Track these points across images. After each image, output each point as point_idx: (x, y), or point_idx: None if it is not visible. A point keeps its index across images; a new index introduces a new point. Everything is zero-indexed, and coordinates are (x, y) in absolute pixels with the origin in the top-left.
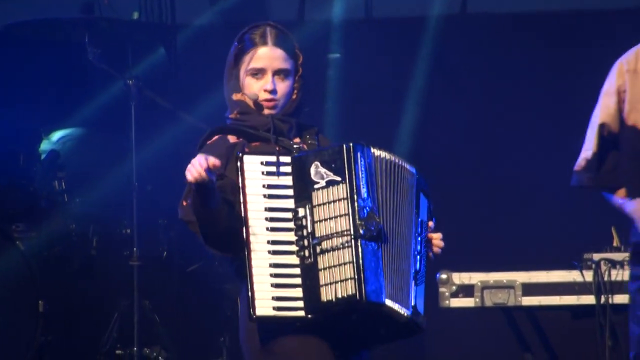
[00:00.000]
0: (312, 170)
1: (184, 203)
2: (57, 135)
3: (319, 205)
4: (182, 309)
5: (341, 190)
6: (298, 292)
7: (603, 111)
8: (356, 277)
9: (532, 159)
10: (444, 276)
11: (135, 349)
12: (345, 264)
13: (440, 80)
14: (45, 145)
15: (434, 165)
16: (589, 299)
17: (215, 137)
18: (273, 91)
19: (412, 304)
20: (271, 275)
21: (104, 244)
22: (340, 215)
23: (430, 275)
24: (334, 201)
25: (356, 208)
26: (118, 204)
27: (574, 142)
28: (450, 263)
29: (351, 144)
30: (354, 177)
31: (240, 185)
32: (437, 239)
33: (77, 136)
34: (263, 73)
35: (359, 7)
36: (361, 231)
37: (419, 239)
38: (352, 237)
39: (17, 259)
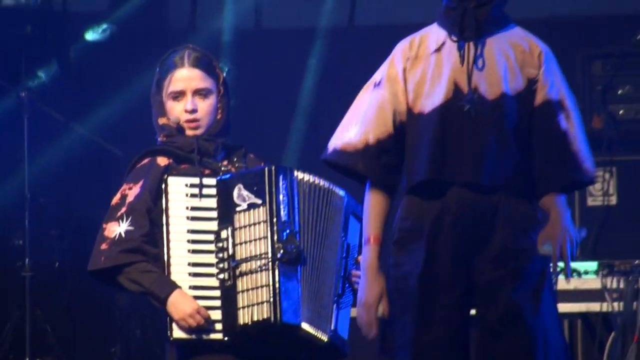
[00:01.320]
0: (235, 192)
1: (104, 249)
2: None
3: (240, 227)
4: (74, 319)
5: (261, 213)
6: (217, 315)
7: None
8: (272, 300)
9: None
10: None
11: (27, 359)
12: (262, 287)
13: (328, 92)
14: None
15: (323, 176)
16: None
17: (145, 161)
18: (193, 111)
19: (332, 327)
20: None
21: None
22: (260, 238)
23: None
24: (255, 224)
25: (275, 231)
26: (10, 216)
27: None
28: None
29: (273, 167)
30: (274, 200)
31: (164, 206)
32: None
33: None
34: (183, 95)
35: (249, 18)
36: (279, 254)
37: (344, 262)
38: (270, 260)
39: None
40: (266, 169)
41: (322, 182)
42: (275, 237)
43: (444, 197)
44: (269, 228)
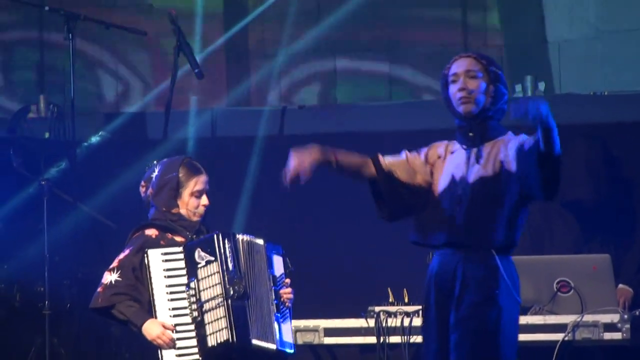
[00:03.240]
0: (196, 254)
1: (101, 293)
2: None
3: (203, 278)
4: (81, 345)
5: (215, 267)
6: (193, 342)
7: None
8: (228, 326)
9: (334, 246)
10: None
11: None
12: (221, 318)
13: (266, 192)
14: None
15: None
16: (372, 340)
17: (137, 233)
18: (206, 205)
19: (277, 338)
20: (176, 332)
21: (24, 298)
22: (216, 284)
23: None
24: (212, 274)
25: (225, 278)
26: (34, 270)
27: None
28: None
29: (220, 233)
30: (222, 256)
31: (147, 271)
32: (286, 292)
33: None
34: (202, 193)
35: (206, 127)
36: (230, 294)
37: (274, 289)
38: (224, 298)
39: None
40: (214, 235)
41: (252, 238)
42: (226, 282)
43: None
44: (221, 276)
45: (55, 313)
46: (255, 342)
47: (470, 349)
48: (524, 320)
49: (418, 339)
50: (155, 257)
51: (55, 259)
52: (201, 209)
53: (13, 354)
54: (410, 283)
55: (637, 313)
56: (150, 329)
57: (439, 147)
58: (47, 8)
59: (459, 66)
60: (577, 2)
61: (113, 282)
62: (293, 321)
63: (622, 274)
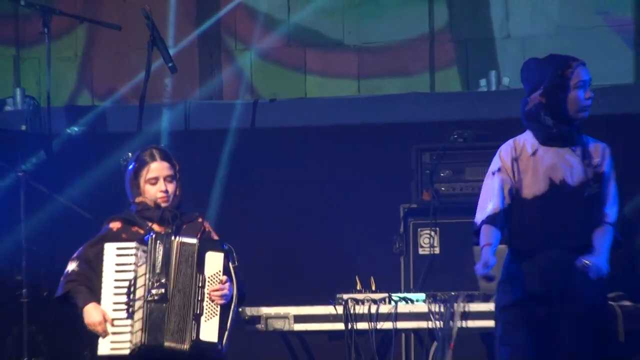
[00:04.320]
0: (139, 253)
1: (64, 284)
2: None
3: (138, 277)
4: (58, 331)
5: (144, 268)
6: (127, 337)
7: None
8: (143, 328)
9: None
10: (240, 309)
11: (25, 358)
12: (139, 319)
13: (238, 184)
14: None
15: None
16: (340, 326)
17: (104, 226)
18: (165, 191)
19: (193, 338)
20: (113, 325)
21: (2, 287)
22: (142, 285)
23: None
24: (142, 275)
25: (150, 280)
26: (12, 260)
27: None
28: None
29: (154, 236)
30: (152, 258)
31: (102, 263)
32: (216, 291)
33: None
34: (157, 180)
35: (179, 120)
36: (150, 297)
37: (199, 290)
38: (145, 300)
39: None
40: (150, 237)
41: (184, 239)
42: (150, 284)
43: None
44: (147, 278)
45: (33, 301)
46: (167, 344)
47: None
48: None
49: (385, 325)
50: (110, 251)
51: (32, 249)
52: (160, 195)
53: None
54: (377, 271)
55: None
56: (91, 314)
57: (512, 152)
58: (23, 2)
59: (587, 74)
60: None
61: (69, 271)
62: (264, 308)
63: None
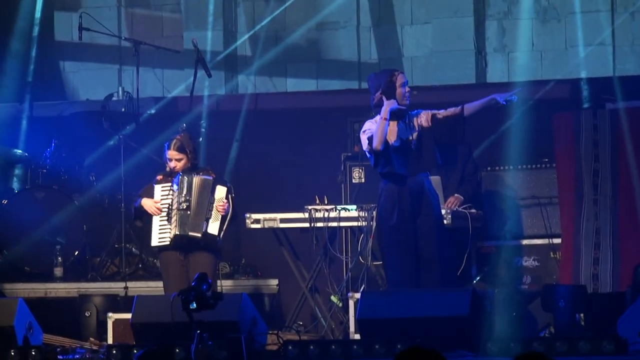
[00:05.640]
0: (174, 187)
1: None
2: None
3: (174, 200)
4: (140, 229)
5: (177, 193)
6: (168, 234)
7: None
8: (177, 225)
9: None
10: (247, 215)
11: (123, 243)
12: (175, 221)
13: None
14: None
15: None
16: (307, 225)
17: (156, 178)
18: (174, 167)
19: (204, 230)
20: (158, 226)
21: (110, 202)
22: (173, 201)
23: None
24: (176, 197)
25: (178, 199)
26: (116, 187)
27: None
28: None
29: (183, 174)
30: (179, 187)
31: (154, 196)
32: (220, 205)
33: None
34: (171, 160)
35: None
36: (177, 207)
37: (210, 203)
38: (176, 210)
39: None
40: (179, 176)
41: (204, 177)
42: (178, 200)
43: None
44: (176, 198)
45: (127, 211)
46: (190, 233)
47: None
48: None
49: (332, 224)
50: (158, 189)
51: (127, 181)
52: (172, 166)
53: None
54: (328, 192)
55: (456, 209)
56: (146, 202)
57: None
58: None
59: (404, 78)
60: (420, 29)
61: (135, 199)
62: (261, 214)
63: (449, 187)
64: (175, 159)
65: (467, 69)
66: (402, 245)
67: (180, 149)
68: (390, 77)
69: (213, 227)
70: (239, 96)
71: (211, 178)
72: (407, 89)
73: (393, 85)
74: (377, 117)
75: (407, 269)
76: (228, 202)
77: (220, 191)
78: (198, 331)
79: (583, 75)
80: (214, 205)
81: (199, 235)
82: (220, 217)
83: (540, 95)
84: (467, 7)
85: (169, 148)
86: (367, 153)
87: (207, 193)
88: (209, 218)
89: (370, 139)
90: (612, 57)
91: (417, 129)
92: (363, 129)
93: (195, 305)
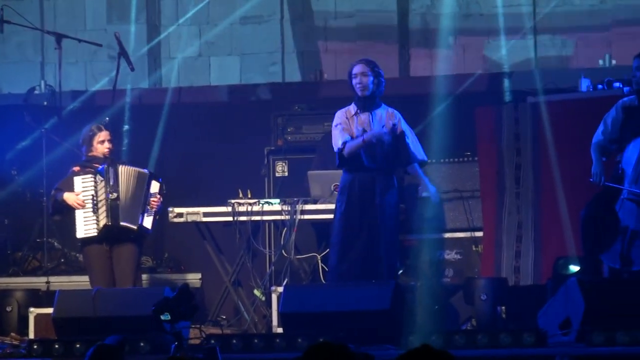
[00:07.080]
0: (98, 178)
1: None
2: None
3: (99, 190)
4: (61, 222)
5: (104, 183)
6: (94, 225)
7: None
8: (107, 215)
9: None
10: (169, 208)
11: (45, 238)
12: (104, 211)
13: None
14: None
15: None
16: (230, 218)
17: (72, 170)
18: (110, 148)
19: (140, 223)
20: (83, 218)
21: (31, 195)
22: (103, 193)
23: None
24: (103, 187)
25: (105, 189)
26: (38, 180)
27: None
28: (176, 202)
29: (107, 165)
30: (105, 177)
31: (74, 189)
32: (154, 201)
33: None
34: (104, 141)
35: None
36: (107, 197)
37: (146, 200)
38: (105, 200)
39: None
40: (104, 166)
41: (136, 169)
42: (107, 190)
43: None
44: (104, 188)
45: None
46: (122, 223)
47: None
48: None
49: (255, 218)
50: (78, 180)
51: (49, 174)
52: (106, 151)
53: None
54: (251, 186)
55: None
56: (69, 196)
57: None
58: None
59: (359, 69)
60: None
61: (54, 193)
62: (184, 208)
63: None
64: (108, 140)
65: (390, 62)
66: (345, 232)
67: (110, 132)
68: (350, 70)
69: (148, 221)
70: (162, 90)
71: (147, 172)
72: (360, 79)
73: (350, 76)
74: (351, 108)
75: (346, 257)
76: (161, 197)
77: (155, 187)
78: (176, 343)
79: (505, 69)
80: (150, 200)
81: (135, 227)
82: (153, 212)
83: (462, 89)
84: (390, 1)
85: (100, 130)
86: (334, 147)
87: (142, 186)
88: (145, 212)
89: (344, 144)
90: (534, 51)
91: (388, 125)
92: (335, 123)
93: (168, 316)
